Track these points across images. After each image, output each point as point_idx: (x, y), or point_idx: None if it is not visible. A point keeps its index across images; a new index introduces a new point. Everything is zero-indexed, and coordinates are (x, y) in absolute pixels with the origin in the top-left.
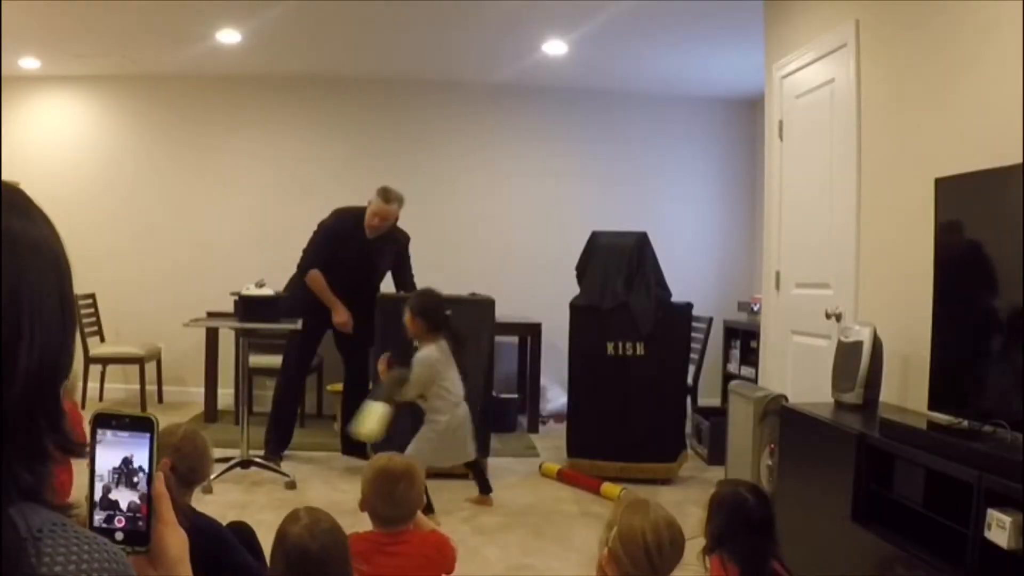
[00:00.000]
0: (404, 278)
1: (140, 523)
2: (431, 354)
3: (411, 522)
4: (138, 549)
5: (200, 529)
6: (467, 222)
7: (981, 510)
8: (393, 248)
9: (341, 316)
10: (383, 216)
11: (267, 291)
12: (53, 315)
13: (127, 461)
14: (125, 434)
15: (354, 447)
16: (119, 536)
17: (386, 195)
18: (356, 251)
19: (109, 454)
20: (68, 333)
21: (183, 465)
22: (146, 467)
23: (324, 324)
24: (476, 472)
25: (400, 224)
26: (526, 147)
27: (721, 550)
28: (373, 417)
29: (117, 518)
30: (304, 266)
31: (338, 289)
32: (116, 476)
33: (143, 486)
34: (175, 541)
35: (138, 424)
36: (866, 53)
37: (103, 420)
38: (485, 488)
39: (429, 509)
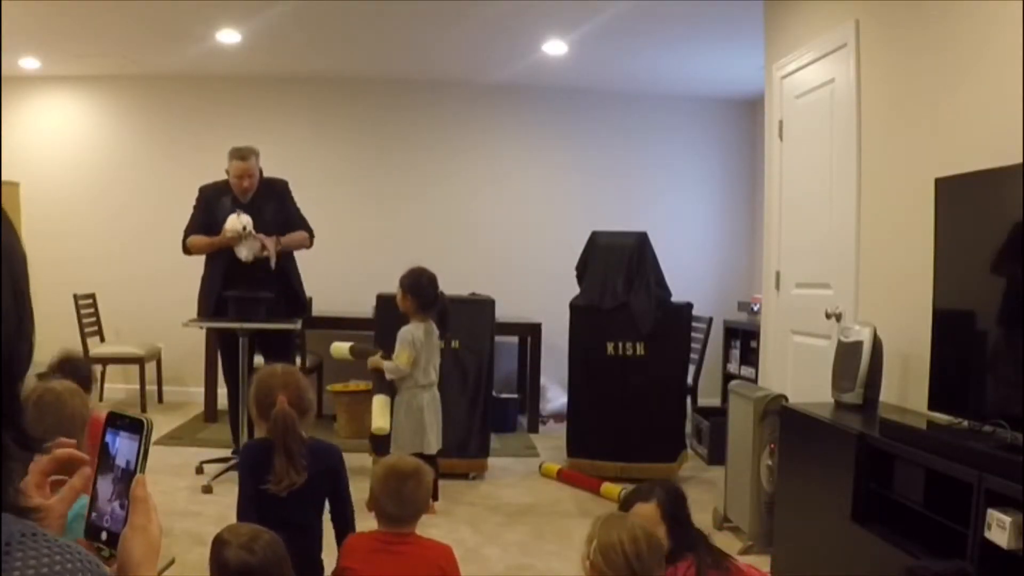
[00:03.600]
0: (294, 223)
1: (121, 526)
2: (411, 330)
3: (416, 524)
4: (116, 553)
5: (322, 449)
6: (467, 222)
7: (981, 510)
8: (272, 201)
9: (229, 244)
10: (245, 173)
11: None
12: (7, 310)
13: (125, 461)
14: (126, 435)
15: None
16: (104, 536)
17: (238, 153)
18: (233, 212)
19: (111, 453)
20: (23, 326)
21: (294, 397)
22: (133, 468)
23: (228, 310)
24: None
25: (401, 223)
26: (526, 147)
27: (681, 555)
28: (378, 410)
29: (105, 518)
30: (183, 239)
31: (232, 266)
32: (111, 475)
33: (125, 488)
34: (139, 546)
35: (132, 426)
36: (866, 53)
37: (111, 419)
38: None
39: (433, 497)
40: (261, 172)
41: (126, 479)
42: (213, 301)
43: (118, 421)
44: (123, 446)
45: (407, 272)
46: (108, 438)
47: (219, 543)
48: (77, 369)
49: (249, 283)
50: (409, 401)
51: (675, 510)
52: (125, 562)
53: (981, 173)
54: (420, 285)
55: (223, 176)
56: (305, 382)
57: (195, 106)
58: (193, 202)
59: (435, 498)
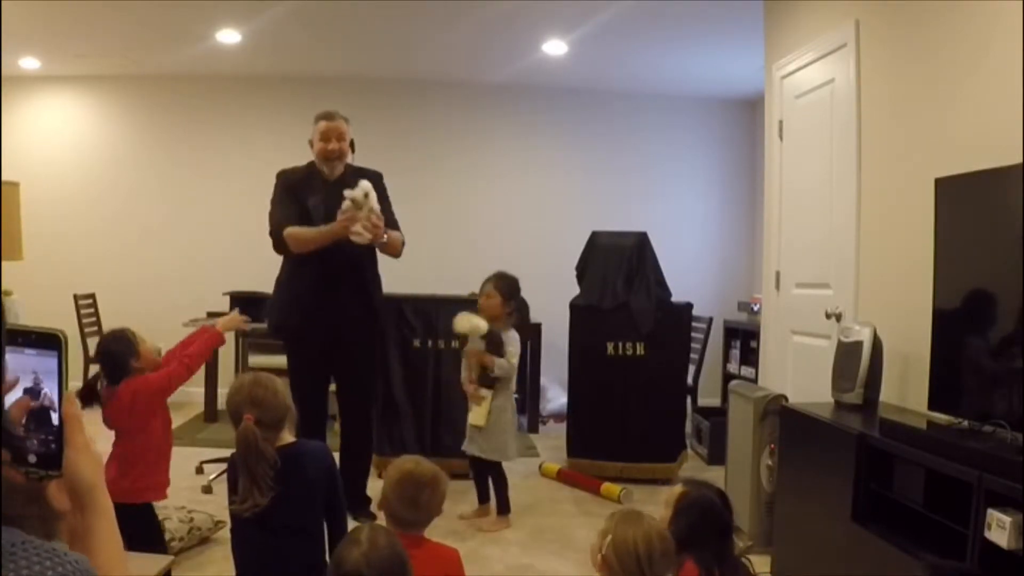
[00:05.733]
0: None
1: (53, 445)
2: (517, 335)
3: (426, 528)
4: (52, 473)
5: (314, 450)
6: (467, 222)
7: (981, 510)
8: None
9: (345, 225)
10: (332, 132)
11: None
12: None
13: (35, 381)
14: (32, 352)
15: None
16: (32, 459)
17: (323, 113)
18: (322, 200)
19: (18, 374)
20: None
21: (267, 416)
22: (55, 388)
23: (314, 344)
24: (486, 480)
25: (401, 222)
26: (526, 147)
27: (691, 553)
28: (484, 407)
29: (29, 440)
30: (274, 232)
31: (327, 270)
32: (24, 396)
33: (54, 407)
34: (87, 465)
35: (45, 341)
36: (866, 53)
37: (11, 337)
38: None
39: (506, 509)
40: (354, 146)
41: (44, 399)
42: (296, 314)
43: (20, 338)
44: (36, 365)
45: (502, 275)
46: (12, 358)
47: (350, 541)
48: (119, 341)
49: (337, 295)
50: (509, 406)
51: (690, 509)
52: (78, 484)
53: (981, 173)
54: (516, 288)
55: (226, 176)
56: (274, 387)
57: (195, 106)
58: (187, 203)
59: (508, 510)
